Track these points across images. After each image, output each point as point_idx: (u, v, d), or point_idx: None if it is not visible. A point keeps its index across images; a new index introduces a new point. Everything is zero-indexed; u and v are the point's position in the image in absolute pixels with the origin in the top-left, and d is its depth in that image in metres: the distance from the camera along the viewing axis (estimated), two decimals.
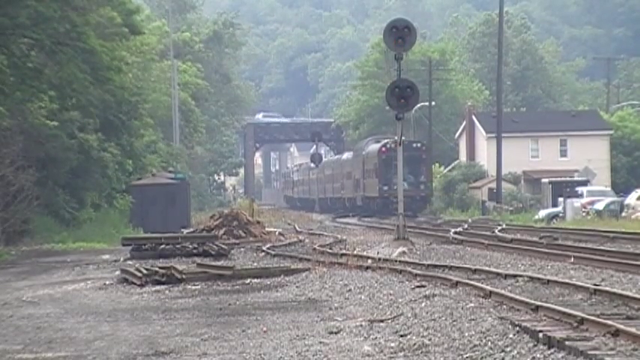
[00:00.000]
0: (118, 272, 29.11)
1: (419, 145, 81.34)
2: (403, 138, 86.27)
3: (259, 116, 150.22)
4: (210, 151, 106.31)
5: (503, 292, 19.79)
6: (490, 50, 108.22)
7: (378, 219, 69.84)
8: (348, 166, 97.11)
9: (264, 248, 38.06)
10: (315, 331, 17.21)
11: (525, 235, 44.53)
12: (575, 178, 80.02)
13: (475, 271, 25.27)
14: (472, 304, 18.77)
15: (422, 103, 73.64)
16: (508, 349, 14.11)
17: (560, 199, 69.97)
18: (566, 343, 13.66)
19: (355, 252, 34.22)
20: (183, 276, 26.99)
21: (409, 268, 26.39)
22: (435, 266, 27.28)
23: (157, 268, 27.87)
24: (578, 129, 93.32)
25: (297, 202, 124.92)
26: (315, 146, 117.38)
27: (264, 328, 17.86)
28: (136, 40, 57.17)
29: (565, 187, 73.60)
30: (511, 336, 14.98)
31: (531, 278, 22.80)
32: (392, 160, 78.54)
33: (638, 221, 56.14)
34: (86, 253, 40.61)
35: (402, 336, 16.07)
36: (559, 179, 79.06)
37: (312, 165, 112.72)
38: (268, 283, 26.24)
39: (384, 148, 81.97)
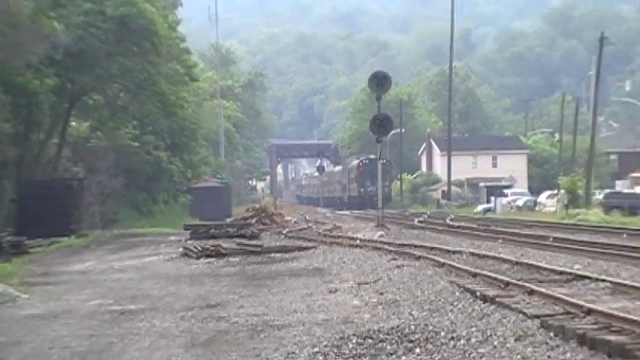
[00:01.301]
0: (180, 249, 29.15)
1: (385, 160, 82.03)
2: (373, 156, 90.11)
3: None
4: (246, 164, 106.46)
5: (452, 263, 19.79)
6: (443, 93, 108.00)
7: (364, 212, 69.85)
8: (338, 175, 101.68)
9: (283, 232, 38.07)
10: (320, 291, 17.23)
11: (468, 223, 44.52)
12: (503, 183, 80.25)
13: (432, 248, 25.26)
14: (430, 272, 18.77)
15: (395, 130, 73.55)
16: (455, 303, 14.11)
17: (492, 198, 70.12)
18: (496, 299, 13.68)
19: (348, 235, 34.20)
20: (227, 251, 27.04)
21: (386, 246, 26.38)
22: (404, 245, 27.26)
23: (208, 246, 27.92)
24: (505, 149, 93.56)
25: (305, 200, 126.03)
26: (319, 160, 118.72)
27: (284, 288, 17.88)
28: (193, 85, 57.24)
29: (495, 189, 73.84)
30: (457, 294, 14.98)
31: (472, 253, 22.80)
32: (365, 171, 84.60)
33: (546, 213, 56.17)
34: (158, 235, 40.69)
35: (380, 294, 16.08)
36: (491, 184, 79.24)
37: (316, 174, 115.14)
38: (287, 256, 26.25)
39: (360, 163, 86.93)
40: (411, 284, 17.08)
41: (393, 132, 66.59)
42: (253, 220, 43.85)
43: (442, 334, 11.44)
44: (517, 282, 15.36)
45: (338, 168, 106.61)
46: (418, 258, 21.88)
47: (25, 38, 33.91)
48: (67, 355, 11.18)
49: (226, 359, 10.60)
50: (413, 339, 11.16)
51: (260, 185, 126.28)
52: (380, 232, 35.37)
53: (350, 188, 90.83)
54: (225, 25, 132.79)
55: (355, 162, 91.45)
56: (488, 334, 11.27)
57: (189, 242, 31.68)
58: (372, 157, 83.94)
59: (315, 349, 10.83)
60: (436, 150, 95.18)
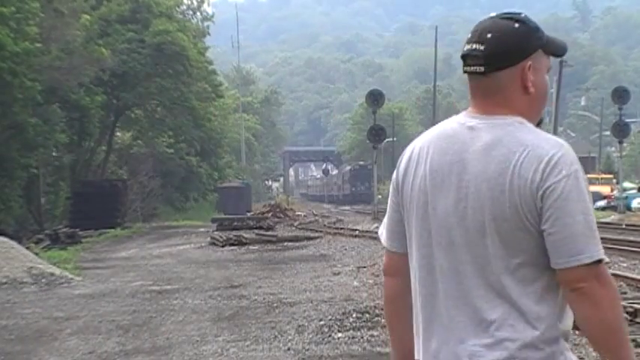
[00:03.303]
0: (209, 238, 29.20)
1: (370, 167, 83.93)
2: (362, 162, 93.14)
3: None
4: (263, 167, 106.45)
5: None
6: (428, 107, 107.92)
7: (362, 207, 69.78)
8: (335, 177, 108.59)
9: (294, 224, 38.12)
10: (325, 273, 17.25)
11: None
12: None
13: None
14: None
15: (388, 139, 73.47)
16: None
17: None
18: None
19: (348, 226, 34.23)
20: (248, 241, 27.06)
21: None
22: None
23: (231, 236, 27.94)
24: None
25: (310, 197, 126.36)
26: (325, 164, 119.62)
27: (295, 272, 17.89)
28: (219, 101, 57.26)
29: None
30: None
31: None
32: (355, 175, 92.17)
33: None
34: (190, 227, 40.78)
35: (376, 276, 16.07)
36: None
37: (319, 176, 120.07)
38: (297, 244, 26.27)
39: (352, 169, 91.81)
40: None
41: (386, 140, 66.57)
42: (269, 215, 43.93)
43: None
44: None
45: (335, 172, 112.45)
46: None
47: (78, 62, 34.05)
48: (113, 328, 11.22)
49: (247, 330, 10.62)
50: None
51: (275, 185, 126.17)
52: (376, 224, 35.36)
53: (344, 188, 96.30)
54: (245, 51, 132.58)
55: (348, 168, 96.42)
56: None
57: (216, 233, 31.76)
58: (361, 163, 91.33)
59: (322, 322, 10.85)
60: None
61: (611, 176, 64.17)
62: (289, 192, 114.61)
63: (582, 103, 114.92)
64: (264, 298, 13.54)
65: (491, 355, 2.11)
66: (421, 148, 2.27)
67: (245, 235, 28.40)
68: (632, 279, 12.83)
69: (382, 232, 2.45)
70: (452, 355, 2.17)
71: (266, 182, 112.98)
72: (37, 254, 19.94)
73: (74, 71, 34.02)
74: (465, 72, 2.23)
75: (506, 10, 2.29)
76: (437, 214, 2.18)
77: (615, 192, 48.90)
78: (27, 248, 20.40)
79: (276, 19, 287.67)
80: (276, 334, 10.25)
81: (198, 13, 56.39)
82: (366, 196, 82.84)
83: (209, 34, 56.09)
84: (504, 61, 2.15)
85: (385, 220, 2.43)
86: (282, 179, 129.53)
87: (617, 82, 75.31)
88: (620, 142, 43.26)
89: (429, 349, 2.22)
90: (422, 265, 2.24)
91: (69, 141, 38.91)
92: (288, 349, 9.36)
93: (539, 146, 2.10)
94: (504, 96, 2.18)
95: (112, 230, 35.29)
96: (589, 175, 71.02)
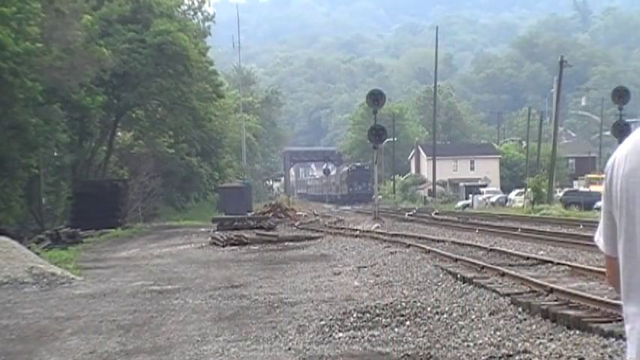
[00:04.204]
0: (209, 238, 29.17)
1: (367, 167, 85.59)
2: (360, 163, 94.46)
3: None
4: (264, 167, 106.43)
5: (436, 250, 19.78)
6: (429, 107, 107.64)
7: (363, 207, 69.75)
8: (333, 178, 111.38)
9: (295, 224, 38.05)
10: (326, 273, 17.23)
11: (449, 217, 44.39)
12: (479, 183, 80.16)
13: (420, 237, 25.21)
14: (418, 257, 18.75)
15: (388, 139, 73.37)
16: (440, 283, 14.11)
17: (470, 195, 70.00)
18: (474, 280, 13.68)
19: (349, 226, 34.17)
20: (248, 240, 27.02)
21: (381, 236, 26.36)
22: (397, 235, 27.22)
23: (232, 236, 27.91)
24: (481, 154, 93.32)
25: (309, 197, 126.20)
26: (325, 164, 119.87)
27: (296, 271, 17.87)
28: (220, 101, 57.20)
29: (473, 188, 73.78)
30: (441, 276, 14.98)
31: (453, 242, 22.78)
32: (353, 176, 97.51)
33: (515, 208, 56.01)
34: (191, 227, 40.73)
35: (377, 276, 16.07)
36: (469, 184, 79.15)
37: (318, 176, 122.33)
38: (298, 244, 26.24)
39: (349, 170, 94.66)
40: (402, 268, 17.07)
41: (387, 140, 66.52)
42: (270, 215, 43.88)
43: (428, 309, 11.43)
44: (491, 266, 15.35)
45: (334, 172, 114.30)
46: (408, 246, 21.85)
47: (79, 62, 34.04)
48: (114, 328, 11.21)
49: (247, 331, 10.61)
50: (404, 313, 11.17)
51: (276, 185, 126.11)
52: (376, 224, 35.32)
53: (342, 188, 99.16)
54: (246, 51, 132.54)
55: (345, 169, 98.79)
56: (467, 309, 11.26)
57: (217, 233, 31.71)
58: (359, 164, 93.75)
59: (322, 322, 10.84)
60: (423, 155, 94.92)
61: None
62: (290, 192, 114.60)
63: (583, 103, 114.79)
64: (264, 298, 13.53)
65: None
66: (621, 154, 2.51)
67: (246, 235, 28.37)
68: None
69: (599, 238, 2.60)
70: None
71: (267, 182, 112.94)
72: (38, 254, 19.94)
73: (75, 71, 34.02)
74: None
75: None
76: (638, 208, 2.38)
77: None
78: (28, 248, 20.39)
79: (276, 19, 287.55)
80: (277, 333, 10.25)
81: (199, 14, 56.39)
82: (363, 196, 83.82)
83: (210, 34, 56.08)
84: None
85: (600, 227, 2.59)
86: (282, 179, 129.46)
87: (617, 83, 75.36)
88: (621, 143, 43.16)
89: (633, 332, 2.37)
90: (627, 257, 2.39)
91: (70, 141, 38.91)
92: (289, 348, 9.36)
93: None
94: None
95: (113, 230, 35.27)
96: (589, 175, 71.18)
